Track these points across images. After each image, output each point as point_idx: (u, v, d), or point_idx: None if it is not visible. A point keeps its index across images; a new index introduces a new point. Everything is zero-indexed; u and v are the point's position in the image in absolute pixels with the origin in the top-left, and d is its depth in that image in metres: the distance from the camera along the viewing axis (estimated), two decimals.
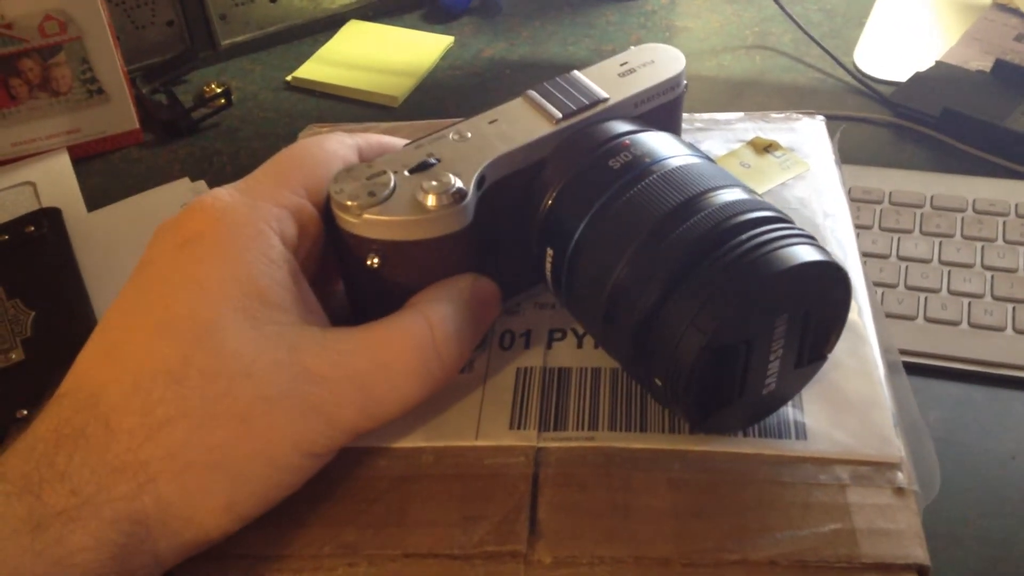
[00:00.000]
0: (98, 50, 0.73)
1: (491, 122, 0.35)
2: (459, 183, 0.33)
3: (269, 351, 0.30)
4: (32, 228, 0.64)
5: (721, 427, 0.33)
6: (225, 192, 0.33)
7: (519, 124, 0.35)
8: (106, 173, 0.75)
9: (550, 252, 0.34)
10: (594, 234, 0.33)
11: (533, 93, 0.36)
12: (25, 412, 0.52)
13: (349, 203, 0.32)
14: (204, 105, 0.80)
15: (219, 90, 0.80)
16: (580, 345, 0.37)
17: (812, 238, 0.31)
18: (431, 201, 0.32)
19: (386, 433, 0.34)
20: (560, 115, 0.35)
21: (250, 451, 0.29)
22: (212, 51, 0.86)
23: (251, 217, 0.32)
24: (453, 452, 0.34)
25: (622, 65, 0.38)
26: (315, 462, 0.31)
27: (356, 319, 0.33)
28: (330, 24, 0.90)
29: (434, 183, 0.32)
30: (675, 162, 0.33)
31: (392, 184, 0.33)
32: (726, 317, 0.29)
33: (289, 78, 0.84)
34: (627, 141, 0.34)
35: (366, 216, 0.32)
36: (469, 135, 0.35)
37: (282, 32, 0.88)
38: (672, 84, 0.38)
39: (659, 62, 0.38)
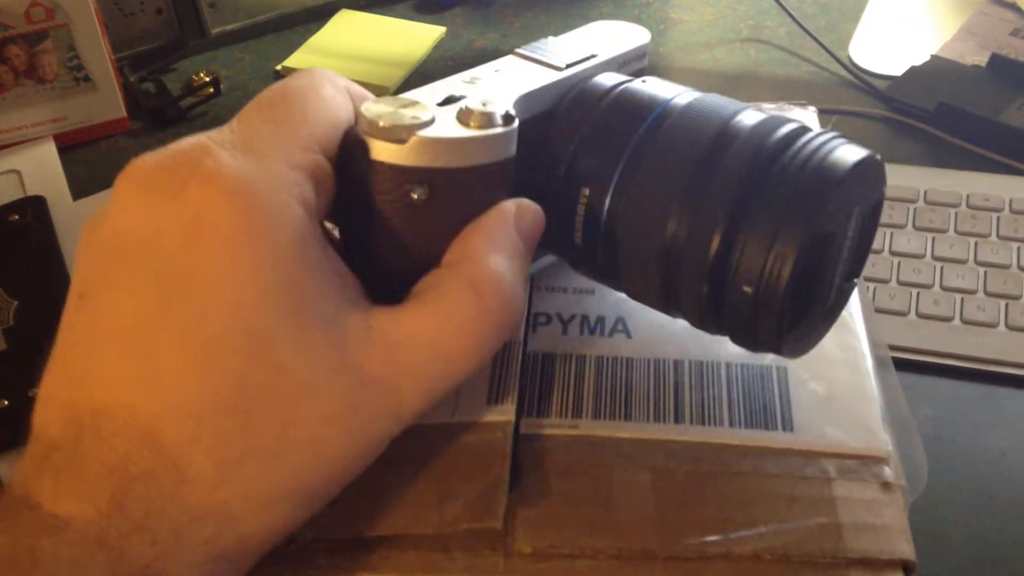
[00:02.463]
0: (85, 37, 0.73)
1: (495, 71, 0.34)
2: (505, 107, 0.30)
3: (322, 356, 0.27)
4: (16, 217, 0.63)
5: (795, 348, 0.32)
6: (225, 153, 0.27)
7: (526, 73, 0.34)
8: (92, 162, 0.74)
9: (585, 192, 0.33)
10: (638, 174, 0.32)
11: (522, 50, 0.35)
12: (6, 403, 0.51)
13: (385, 124, 0.29)
14: (192, 94, 0.79)
15: (208, 79, 0.80)
16: (565, 332, 0.37)
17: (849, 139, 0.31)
18: (476, 123, 0.30)
19: None
20: (563, 64, 0.34)
21: (325, 470, 0.28)
22: (201, 39, 0.85)
23: (269, 185, 0.27)
24: (429, 429, 0.33)
25: (587, 32, 0.38)
26: (385, 447, 0.30)
27: (379, 281, 0.30)
28: (321, 13, 0.89)
29: (479, 107, 0.30)
30: (690, 96, 0.33)
31: (430, 113, 0.30)
32: (819, 206, 0.29)
33: (279, 67, 0.84)
34: (643, 80, 0.35)
35: (416, 138, 0.29)
36: (479, 79, 0.33)
37: (272, 21, 0.88)
38: (642, 52, 0.38)
39: (621, 32, 0.38)
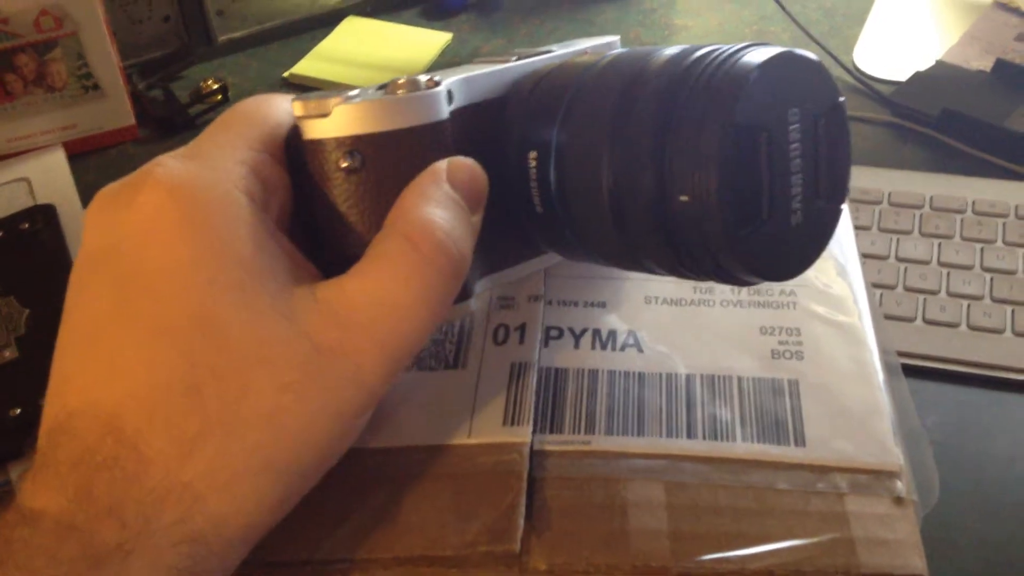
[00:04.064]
0: (94, 46, 0.73)
1: (447, 71, 0.35)
2: (430, 76, 0.32)
3: (271, 329, 0.28)
4: (27, 225, 0.63)
5: (760, 261, 0.31)
6: (173, 160, 0.30)
7: (477, 67, 0.35)
8: (102, 169, 0.75)
9: (533, 155, 0.33)
10: (569, 129, 0.32)
11: (481, 58, 0.37)
12: (19, 411, 0.52)
13: (314, 101, 0.30)
14: (200, 101, 0.79)
15: (215, 86, 0.80)
16: (577, 346, 0.37)
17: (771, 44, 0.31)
18: (403, 90, 0.31)
19: (378, 432, 0.34)
20: (515, 57, 0.35)
21: (290, 444, 0.28)
22: (209, 47, 0.86)
23: (212, 180, 0.29)
24: (446, 451, 0.34)
25: (561, 44, 0.39)
26: (359, 422, 0.30)
27: (334, 263, 0.31)
28: (328, 20, 0.89)
29: (402, 79, 0.31)
30: (625, 50, 0.34)
31: (358, 91, 0.31)
32: (739, 95, 0.28)
33: (286, 74, 0.84)
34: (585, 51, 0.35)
35: (337, 108, 0.30)
36: (426, 75, 0.34)
37: (279, 28, 0.88)
38: (610, 46, 0.38)
39: (595, 40, 0.39)
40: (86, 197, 0.69)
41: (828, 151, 0.31)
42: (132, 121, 0.77)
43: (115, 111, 0.76)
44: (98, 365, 0.28)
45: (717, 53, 0.30)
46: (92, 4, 0.71)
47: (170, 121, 0.78)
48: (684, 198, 0.29)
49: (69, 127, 0.75)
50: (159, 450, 0.27)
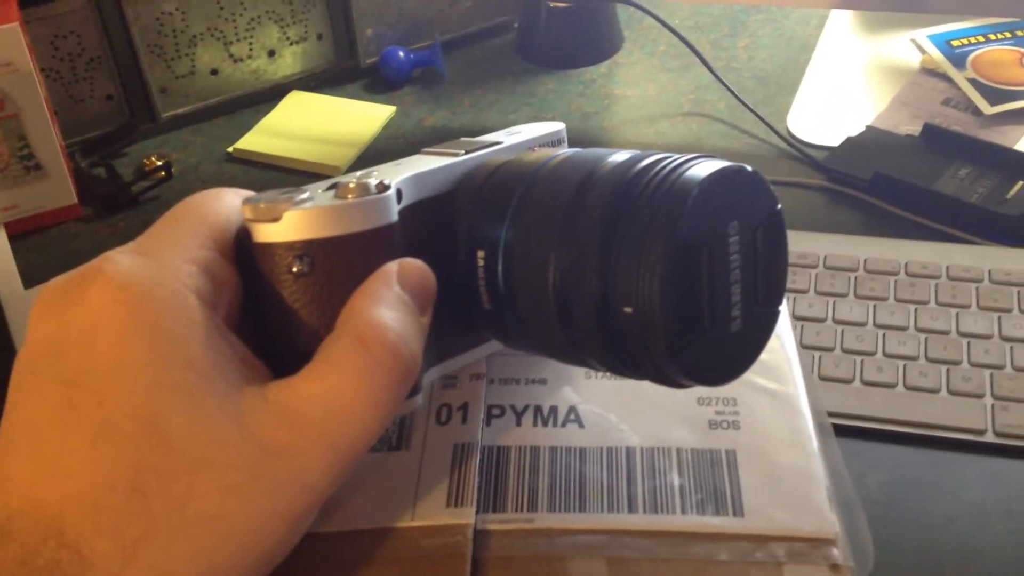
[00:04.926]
0: (35, 126, 0.73)
1: (396, 164, 0.36)
2: (381, 179, 0.32)
3: (217, 431, 0.28)
4: None
5: (701, 369, 0.31)
6: (123, 256, 0.30)
7: (426, 160, 0.35)
8: (44, 249, 0.74)
9: (481, 254, 0.34)
10: (518, 229, 0.33)
11: (429, 148, 0.37)
12: None
13: (264, 205, 0.30)
14: (144, 178, 0.79)
15: (159, 163, 0.80)
16: (519, 423, 0.37)
17: (717, 156, 0.32)
18: (353, 195, 0.31)
19: (323, 516, 0.34)
20: (464, 151, 0.36)
21: (234, 547, 0.28)
22: (152, 123, 0.86)
23: (159, 279, 0.29)
24: (391, 534, 0.34)
25: (507, 131, 0.39)
26: (305, 523, 0.30)
27: (284, 363, 0.31)
28: (272, 95, 0.90)
29: (352, 182, 0.31)
30: (571, 152, 0.35)
31: (308, 193, 0.31)
32: (682, 215, 0.29)
33: (231, 149, 0.84)
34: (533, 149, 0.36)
35: (288, 213, 0.30)
36: (375, 172, 0.34)
37: (223, 104, 0.89)
38: (557, 137, 0.39)
39: (542, 127, 0.40)
40: (27, 277, 0.69)
41: (766, 259, 0.33)
42: (74, 200, 0.76)
43: (57, 191, 0.76)
44: (41, 465, 0.28)
45: (662, 165, 0.31)
46: (33, 85, 0.71)
47: (113, 199, 0.78)
48: (628, 310, 0.30)
49: (10, 207, 0.75)
50: (102, 554, 0.27)
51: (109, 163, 0.81)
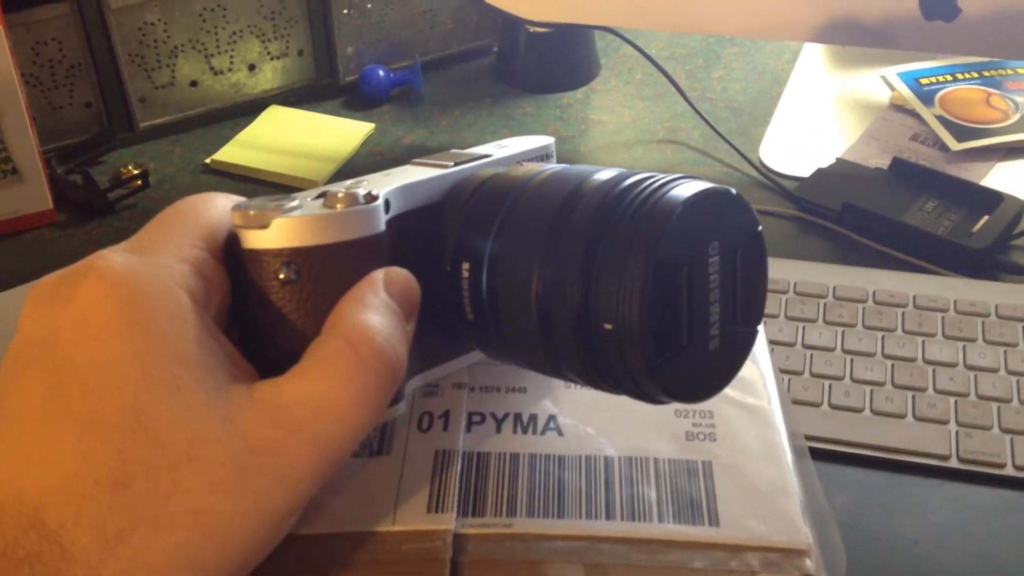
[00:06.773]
0: (14, 130, 0.73)
1: (385, 175, 0.36)
2: (369, 189, 0.32)
3: (203, 427, 0.29)
4: None
5: (678, 386, 0.32)
6: (116, 254, 0.30)
7: (415, 171, 0.36)
8: (17, 254, 0.74)
9: (466, 266, 0.34)
10: (503, 242, 0.33)
11: (418, 159, 0.38)
12: None
13: (253, 212, 0.31)
14: (120, 186, 0.79)
15: (136, 171, 0.80)
16: (499, 430, 0.38)
17: (700, 177, 0.32)
18: (341, 204, 0.32)
19: (304, 518, 0.34)
20: (452, 163, 0.37)
21: (216, 542, 0.28)
22: (131, 132, 0.86)
23: (153, 276, 0.30)
24: (371, 538, 0.34)
25: (497, 144, 0.40)
26: (288, 523, 0.30)
27: (271, 366, 0.32)
28: (251, 109, 0.91)
29: (340, 192, 0.32)
30: (558, 167, 0.35)
31: (298, 201, 0.32)
32: (663, 234, 0.30)
33: (208, 160, 0.85)
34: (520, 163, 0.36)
35: (276, 221, 0.31)
36: (364, 182, 0.35)
37: (202, 115, 0.89)
38: (545, 151, 0.40)
39: (531, 140, 0.40)
40: (1, 281, 0.69)
41: (745, 279, 0.33)
42: (50, 206, 0.76)
43: (33, 196, 0.75)
44: (26, 456, 0.28)
45: (646, 184, 0.31)
46: (14, 90, 0.71)
47: (89, 206, 0.78)
48: (608, 326, 0.31)
49: None
50: (83, 546, 0.27)
51: (86, 170, 0.81)
